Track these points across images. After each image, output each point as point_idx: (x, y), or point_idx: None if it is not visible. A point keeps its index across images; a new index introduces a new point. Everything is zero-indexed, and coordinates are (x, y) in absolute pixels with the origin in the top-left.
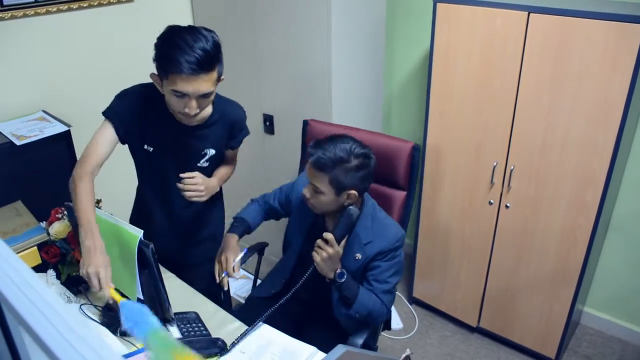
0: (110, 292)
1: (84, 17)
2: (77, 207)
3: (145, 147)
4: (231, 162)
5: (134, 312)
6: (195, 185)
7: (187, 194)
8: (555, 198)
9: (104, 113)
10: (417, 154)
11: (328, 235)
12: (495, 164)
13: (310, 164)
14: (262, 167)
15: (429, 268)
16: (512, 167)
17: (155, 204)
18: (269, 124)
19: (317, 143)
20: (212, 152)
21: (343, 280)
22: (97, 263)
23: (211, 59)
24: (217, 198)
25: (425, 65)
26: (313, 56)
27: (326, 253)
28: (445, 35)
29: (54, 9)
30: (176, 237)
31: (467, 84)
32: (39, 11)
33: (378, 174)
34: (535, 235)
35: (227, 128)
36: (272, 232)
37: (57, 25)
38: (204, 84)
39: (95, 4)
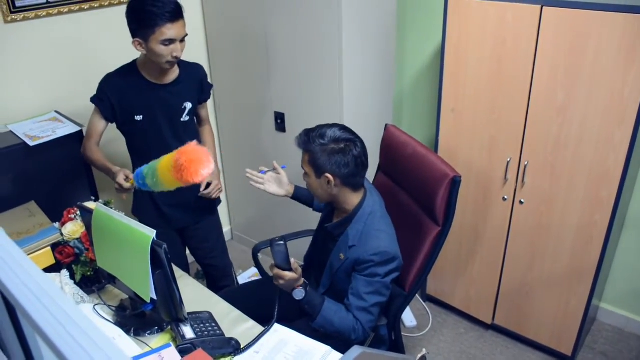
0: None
1: (95, 17)
2: (99, 165)
3: (136, 117)
4: (208, 128)
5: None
6: (217, 187)
7: (214, 196)
8: (570, 194)
9: (91, 100)
10: (456, 187)
11: (273, 271)
12: (509, 159)
13: (297, 142)
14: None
15: (442, 265)
16: (526, 163)
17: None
18: (280, 121)
19: (312, 128)
20: (189, 105)
21: (299, 299)
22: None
23: (181, 7)
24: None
25: (437, 61)
26: (324, 53)
27: (283, 280)
28: (456, 30)
29: (66, 10)
30: (179, 194)
31: (479, 79)
32: (50, 12)
33: (419, 196)
34: (550, 231)
35: (197, 83)
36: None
37: (68, 26)
38: (183, 27)
39: (106, 4)
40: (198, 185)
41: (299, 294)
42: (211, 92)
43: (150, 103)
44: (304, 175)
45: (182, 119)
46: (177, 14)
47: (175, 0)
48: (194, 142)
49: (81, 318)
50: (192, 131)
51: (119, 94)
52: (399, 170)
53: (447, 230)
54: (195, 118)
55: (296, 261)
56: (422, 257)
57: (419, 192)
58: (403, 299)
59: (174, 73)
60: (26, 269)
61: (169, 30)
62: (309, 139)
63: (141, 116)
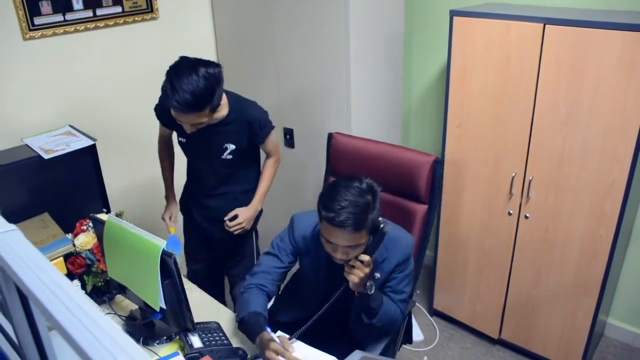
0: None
1: (110, 35)
2: (163, 174)
3: (179, 139)
4: (271, 161)
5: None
6: (238, 224)
7: (234, 231)
8: (575, 208)
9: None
10: (439, 168)
11: (365, 257)
12: (514, 174)
13: (339, 227)
14: (284, 180)
15: (449, 279)
16: (530, 178)
17: (192, 183)
18: (289, 137)
19: (328, 204)
20: (232, 147)
21: (373, 292)
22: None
23: (198, 103)
24: (251, 180)
25: (443, 78)
26: (332, 70)
27: (363, 273)
28: (462, 47)
29: (82, 28)
30: (209, 212)
31: (484, 95)
32: (67, 30)
33: (400, 187)
34: (555, 245)
35: (245, 126)
36: None
37: (84, 43)
38: (194, 118)
39: (121, 22)
40: (230, 204)
41: (371, 287)
42: (269, 133)
43: (192, 135)
44: (350, 251)
45: (223, 157)
46: (188, 108)
47: (197, 92)
48: None
49: (101, 318)
50: (235, 169)
51: (165, 112)
52: (364, 170)
53: (434, 205)
54: (250, 155)
55: None
56: (417, 238)
57: (394, 182)
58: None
59: (222, 112)
60: (49, 273)
61: (176, 114)
62: (364, 214)
63: (184, 139)
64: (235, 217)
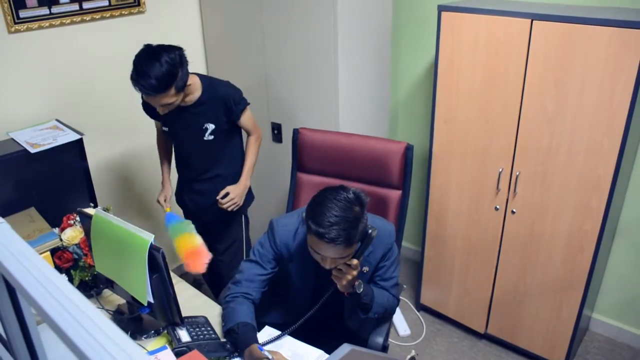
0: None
1: (96, 29)
2: (161, 164)
3: (164, 128)
4: (252, 139)
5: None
6: (231, 200)
7: (227, 208)
8: (561, 203)
9: None
10: (410, 154)
11: (354, 262)
12: (501, 170)
13: (330, 243)
14: (271, 175)
15: (436, 274)
16: (517, 173)
17: (182, 170)
18: (277, 132)
19: (317, 220)
20: (212, 126)
21: (362, 290)
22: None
23: (161, 85)
24: (237, 162)
25: (431, 73)
26: (320, 65)
27: (351, 276)
28: (449, 42)
29: (68, 21)
30: (200, 196)
31: (472, 90)
32: (53, 23)
33: (373, 176)
34: (541, 240)
35: (220, 104)
36: None
37: (70, 37)
38: (161, 99)
39: (108, 15)
40: (220, 187)
41: (360, 286)
42: (244, 109)
43: (173, 120)
44: (339, 262)
45: (204, 138)
46: (153, 90)
47: (159, 75)
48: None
49: (91, 310)
50: (220, 147)
51: (149, 105)
52: (334, 163)
53: (407, 189)
54: (239, 131)
55: None
56: (394, 223)
57: (367, 171)
58: None
59: (195, 94)
60: (40, 268)
61: (147, 99)
62: (353, 229)
63: (167, 128)
64: (227, 195)
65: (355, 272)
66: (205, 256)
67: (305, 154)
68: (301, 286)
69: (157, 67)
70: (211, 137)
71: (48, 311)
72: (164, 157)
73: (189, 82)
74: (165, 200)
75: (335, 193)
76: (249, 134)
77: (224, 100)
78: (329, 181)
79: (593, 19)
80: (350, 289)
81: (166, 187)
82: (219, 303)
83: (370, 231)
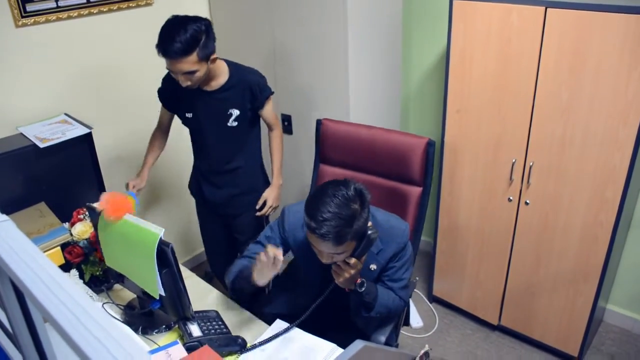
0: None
1: (104, 21)
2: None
3: (186, 114)
4: (275, 134)
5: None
6: (270, 207)
7: (267, 213)
8: (576, 194)
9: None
10: (431, 150)
11: (351, 260)
12: (514, 160)
13: (320, 238)
14: (283, 167)
15: (448, 266)
16: (531, 164)
17: (202, 160)
18: (287, 124)
19: (311, 212)
20: (236, 112)
21: (363, 289)
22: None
23: (185, 47)
24: (256, 155)
25: (443, 63)
26: (330, 56)
27: (349, 274)
28: (461, 32)
29: (75, 14)
30: (219, 190)
31: (484, 80)
32: (60, 16)
33: (394, 170)
34: (555, 232)
35: (246, 90)
36: None
37: (78, 30)
38: (184, 65)
39: (115, 8)
40: (239, 181)
41: (362, 285)
42: (269, 97)
43: (197, 105)
44: (336, 257)
45: (228, 124)
46: (177, 53)
47: (183, 40)
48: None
49: (95, 310)
50: (242, 137)
51: (173, 87)
52: (355, 156)
53: (428, 187)
54: (258, 123)
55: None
56: (412, 221)
57: (388, 166)
58: None
59: (222, 78)
60: (41, 264)
61: (168, 63)
62: (347, 227)
63: (191, 114)
64: (264, 204)
65: (353, 271)
66: (129, 210)
67: (327, 146)
68: (308, 277)
69: (181, 32)
70: (235, 124)
71: (51, 311)
72: (153, 150)
73: (215, 62)
74: (133, 187)
75: (336, 188)
76: (270, 129)
77: (250, 86)
78: (350, 174)
79: (608, 6)
80: (350, 286)
81: (142, 178)
82: (232, 298)
83: (370, 232)
